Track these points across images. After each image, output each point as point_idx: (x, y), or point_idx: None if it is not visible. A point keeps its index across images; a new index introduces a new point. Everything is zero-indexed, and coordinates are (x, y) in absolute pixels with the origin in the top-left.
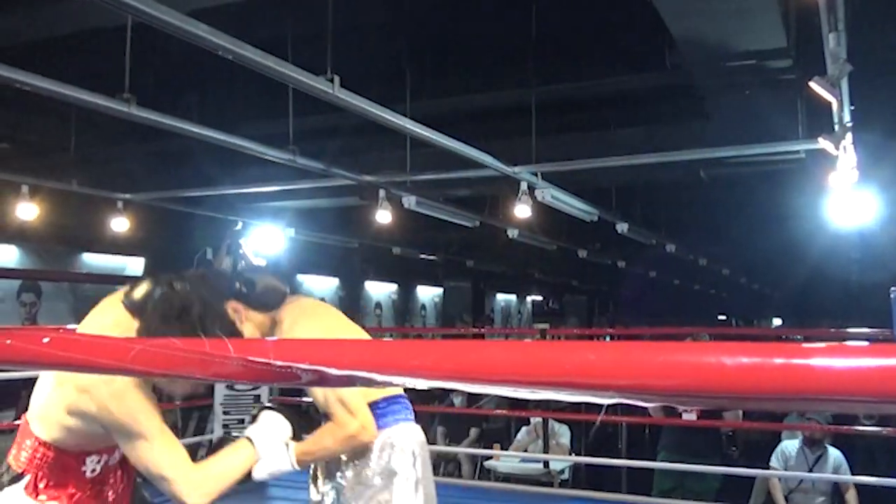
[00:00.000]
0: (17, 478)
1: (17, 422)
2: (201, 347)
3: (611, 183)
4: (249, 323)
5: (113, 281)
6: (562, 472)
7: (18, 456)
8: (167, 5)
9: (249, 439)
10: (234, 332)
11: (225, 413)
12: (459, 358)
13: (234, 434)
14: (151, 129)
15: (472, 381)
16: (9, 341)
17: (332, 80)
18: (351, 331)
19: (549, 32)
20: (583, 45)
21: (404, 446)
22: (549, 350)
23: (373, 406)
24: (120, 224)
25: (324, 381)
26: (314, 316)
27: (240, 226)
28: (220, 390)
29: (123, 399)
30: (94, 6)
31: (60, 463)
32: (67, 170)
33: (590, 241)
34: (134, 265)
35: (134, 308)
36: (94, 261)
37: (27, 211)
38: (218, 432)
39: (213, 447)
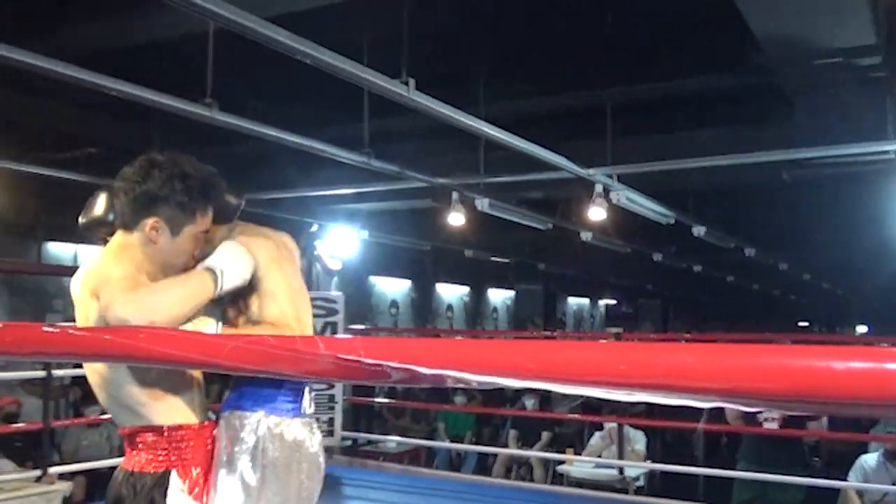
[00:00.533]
0: (160, 480)
1: (103, 416)
2: (293, 345)
3: (688, 185)
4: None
5: None
6: (637, 478)
7: (145, 459)
8: (248, 12)
9: (210, 268)
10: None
11: None
12: (554, 358)
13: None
14: (230, 132)
15: (566, 381)
16: (107, 336)
17: (407, 83)
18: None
19: (625, 33)
20: (660, 45)
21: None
22: (646, 352)
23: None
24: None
25: (414, 379)
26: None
27: (315, 227)
28: None
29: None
30: (179, 14)
31: (195, 440)
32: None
33: (665, 244)
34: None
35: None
36: None
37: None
38: None
39: None
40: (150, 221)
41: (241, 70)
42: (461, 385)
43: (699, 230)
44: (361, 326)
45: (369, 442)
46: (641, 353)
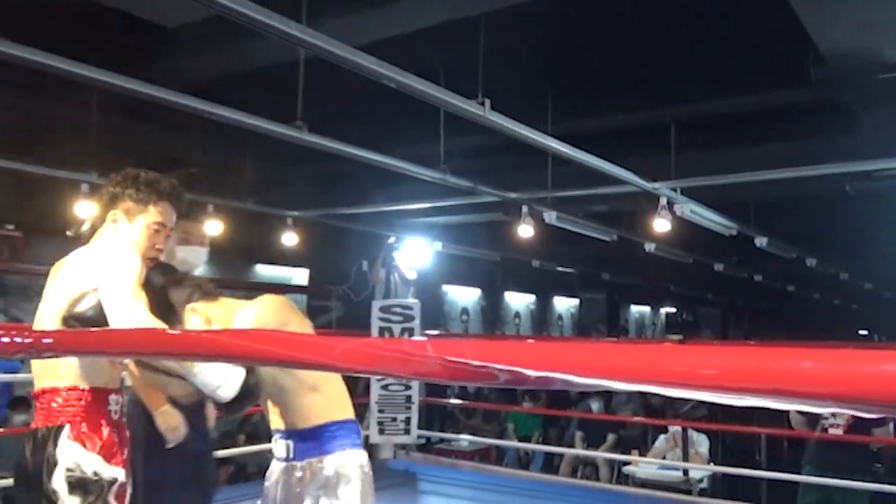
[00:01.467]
0: (57, 431)
1: None
2: (401, 347)
3: (750, 197)
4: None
5: (281, 290)
6: (700, 480)
7: (45, 415)
8: (338, 40)
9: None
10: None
11: (380, 411)
12: (661, 362)
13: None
14: (316, 152)
15: (674, 385)
16: (225, 338)
17: (483, 104)
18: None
19: (688, 50)
20: (722, 62)
21: (351, 475)
22: (758, 356)
23: (323, 428)
24: (289, 238)
25: (520, 381)
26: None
27: (393, 239)
28: (376, 389)
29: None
30: (272, 45)
31: (92, 403)
32: (245, 190)
33: (726, 254)
34: (299, 276)
35: None
36: (265, 271)
37: (213, 227)
38: (373, 429)
39: None
40: (110, 214)
41: (327, 94)
42: (568, 388)
43: (761, 241)
44: (435, 332)
45: (442, 440)
46: (756, 358)
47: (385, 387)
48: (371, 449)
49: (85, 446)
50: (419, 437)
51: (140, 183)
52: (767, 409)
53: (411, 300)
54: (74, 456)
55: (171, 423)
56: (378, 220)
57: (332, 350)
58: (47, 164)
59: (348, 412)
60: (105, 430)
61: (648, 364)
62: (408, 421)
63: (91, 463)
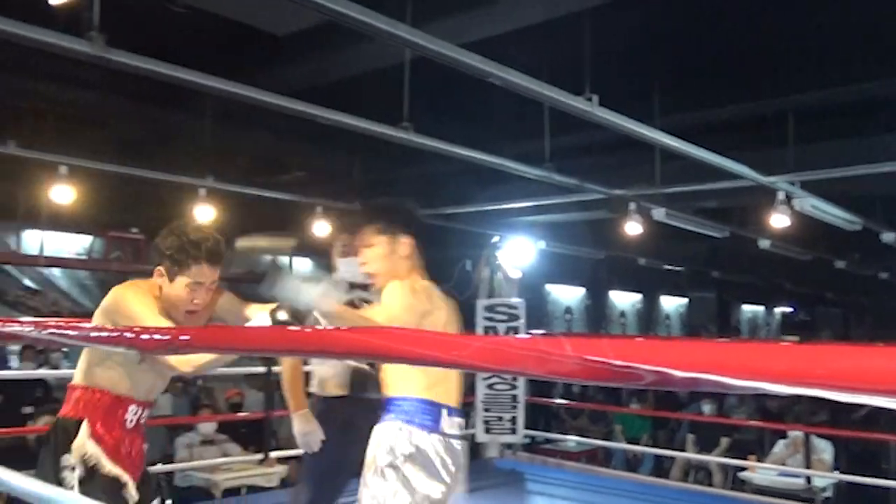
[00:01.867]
0: (78, 423)
1: None
2: (537, 346)
3: (876, 190)
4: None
5: None
6: (824, 489)
7: (70, 409)
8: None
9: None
10: None
11: (485, 410)
12: (828, 363)
13: None
14: (421, 153)
15: (842, 388)
16: (362, 336)
17: (590, 99)
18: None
19: (805, 36)
20: (843, 48)
21: (382, 447)
22: None
23: (392, 400)
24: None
25: (666, 382)
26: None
27: (497, 239)
28: (481, 388)
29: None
30: (377, 48)
31: (108, 407)
32: (352, 192)
33: (848, 251)
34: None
35: None
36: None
37: (321, 228)
38: (479, 427)
39: None
40: (156, 269)
41: (432, 95)
42: (718, 390)
43: (888, 236)
44: (540, 332)
45: (548, 441)
46: None
47: (490, 386)
48: (477, 448)
49: (96, 442)
50: (525, 436)
51: (180, 244)
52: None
53: (516, 299)
54: (86, 448)
55: (304, 428)
56: (481, 219)
57: (464, 348)
58: (167, 170)
59: (427, 392)
60: (116, 434)
61: (813, 365)
62: (514, 420)
63: (98, 457)
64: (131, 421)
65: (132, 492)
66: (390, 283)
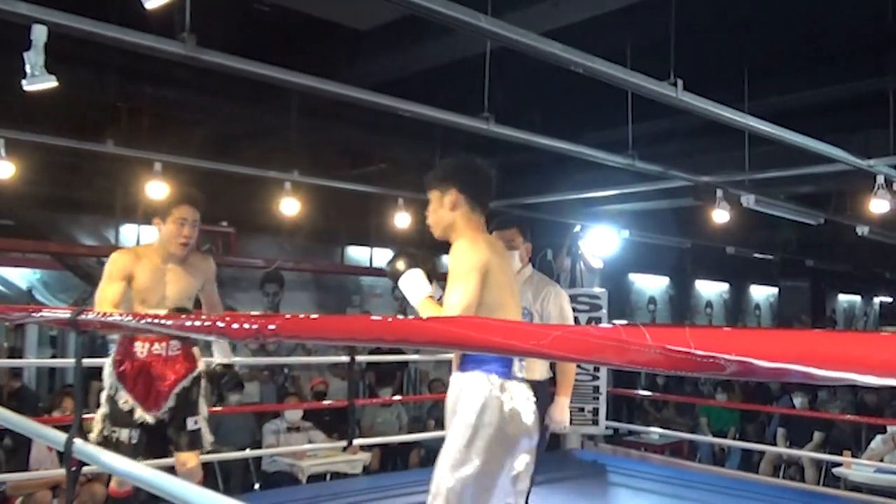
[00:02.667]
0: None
1: (395, 397)
2: (617, 335)
3: None
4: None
5: None
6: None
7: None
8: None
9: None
10: None
11: None
12: None
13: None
14: (501, 143)
15: None
16: (436, 325)
17: (675, 84)
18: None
19: None
20: None
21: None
22: None
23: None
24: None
25: (750, 372)
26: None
27: (578, 228)
28: None
29: None
30: (457, 39)
31: (123, 342)
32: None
33: None
34: None
35: None
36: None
37: (402, 220)
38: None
39: None
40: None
41: (512, 84)
42: (806, 381)
43: None
44: (623, 322)
45: (631, 433)
46: None
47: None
48: (558, 438)
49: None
50: (607, 428)
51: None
52: None
53: (598, 289)
54: (108, 365)
55: (564, 414)
56: (563, 208)
57: (544, 337)
58: (254, 165)
59: None
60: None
61: None
62: (596, 411)
63: (108, 371)
64: (141, 353)
65: (147, 418)
66: (453, 247)
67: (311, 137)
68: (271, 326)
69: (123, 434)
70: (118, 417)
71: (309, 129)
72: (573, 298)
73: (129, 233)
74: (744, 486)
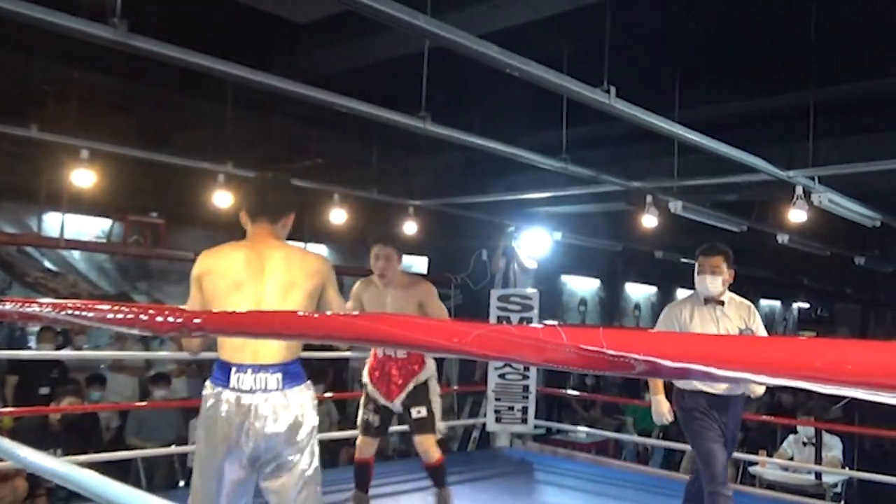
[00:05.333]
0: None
1: (327, 394)
2: (535, 334)
3: None
4: None
5: None
6: (835, 485)
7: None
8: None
9: None
10: None
11: (496, 400)
12: (808, 356)
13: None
14: (438, 142)
15: (825, 381)
16: (363, 322)
17: (608, 91)
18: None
19: (826, 29)
20: (863, 43)
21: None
22: None
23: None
24: (410, 227)
25: (656, 371)
26: None
27: (513, 229)
28: (493, 378)
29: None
30: (396, 38)
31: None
32: (369, 180)
33: (869, 246)
34: (419, 264)
35: None
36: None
37: (338, 216)
38: (490, 417)
39: None
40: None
41: (450, 85)
42: (707, 380)
43: None
44: (554, 322)
45: (559, 431)
46: None
47: (502, 376)
48: (487, 437)
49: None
50: (536, 427)
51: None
52: None
53: (530, 290)
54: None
55: (659, 410)
56: (498, 209)
57: (466, 336)
58: (187, 156)
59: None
60: (373, 361)
61: (794, 357)
62: (525, 410)
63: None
64: (378, 352)
65: (382, 402)
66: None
67: (247, 130)
68: (196, 321)
69: (372, 417)
70: (367, 403)
71: (245, 122)
72: (506, 299)
73: (52, 221)
74: (665, 483)
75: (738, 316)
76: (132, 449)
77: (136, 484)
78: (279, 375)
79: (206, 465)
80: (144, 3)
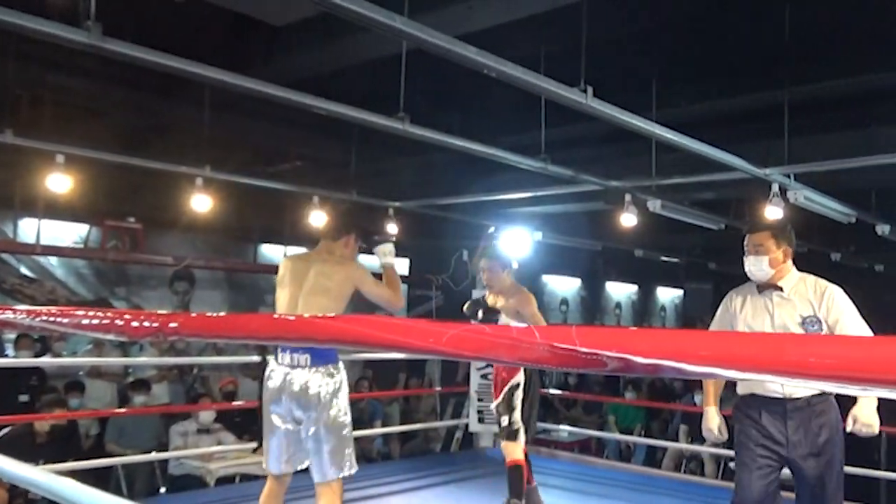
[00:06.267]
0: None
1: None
2: (509, 334)
3: (871, 183)
4: None
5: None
6: None
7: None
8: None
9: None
10: None
11: (479, 400)
12: (776, 350)
13: None
14: (418, 143)
15: (789, 374)
16: (340, 324)
17: (585, 91)
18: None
19: (802, 28)
20: (842, 41)
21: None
22: (884, 346)
23: None
24: (391, 229)
25: (629, 368)
26: None
27: (493, 229)
28: (475, 378)
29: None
30: (374, 39)
31: None
32: (348, 182)
33: (844, 243)
34: (400, 265)
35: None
36: (366, 260)
37: (317, 218)
38: (473, 417)
39: None
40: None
41: (428, 86)
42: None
43: (883, 228)
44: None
45: (542, 430)
46: (882, 348)
47: (485, 376)
48: (470, 437)
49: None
50: None
51: None
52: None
53: None
54: None
55: (708, 424)
56: (478, 209)
57: (440, 336)
58: (164, 160)
59: None
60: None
61: (762, 352)
62: None
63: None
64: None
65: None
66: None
67: (225, 133)
68: (172, 325)
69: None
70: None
71: (222, 125)
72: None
73: (28, 227)
74: (648, 480)
75: (804, 302)
76: (112, 456)
77: (117, 491)
78: (308, 356)
79: (265, 417)
80: (119, 6)
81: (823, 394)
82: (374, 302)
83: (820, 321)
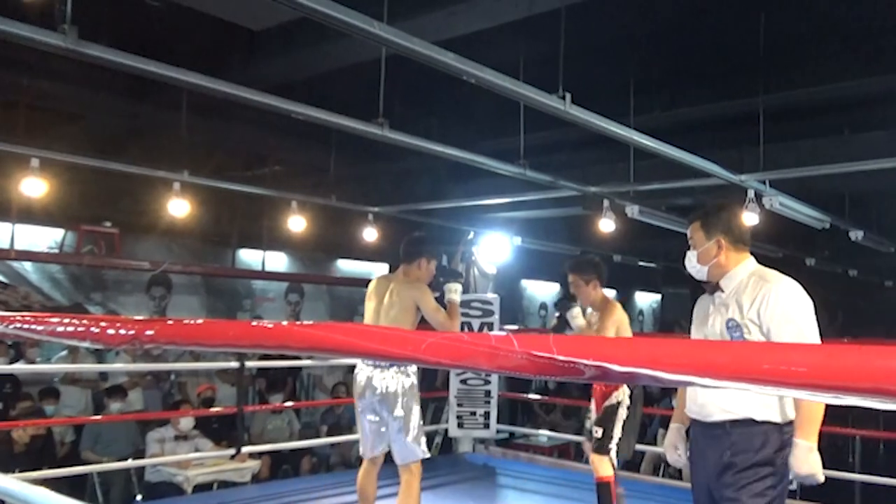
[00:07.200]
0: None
1: (286, 403)
2: (487, 341)
3: (845, 189)
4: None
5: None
6: (790, 482)
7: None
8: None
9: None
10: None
11: (459, 405)
12: (751, 359)
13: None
14: (397, 149)
15: (764, 382)
16: (318, 332)
17: (563, 98)
18: None
19: (778, 36)
20: (815, 47)
21: None
22: (856, 354)
23: None
24: (370, 234)
25: (606, 376)
26: None
27: (472, 235)
28: (455, 383)
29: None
30: (354, 44)
31: None
32: (327, 187)
33: (818, 248)
34: (379, 270)
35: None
36: (346, 266)
37: (296, 223)
38: (452, 422)
39: None
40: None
41: (407, 91)
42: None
43: (856, 234)
44: (515, 327)
45: (521, 435)
46: (854, 357)
47: (464, 381)
48: (450, 442)
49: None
50: (498, 431)
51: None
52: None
53: (491, 295)
54: None
55: (665, 443)
56: (457, 215)
57: (419, 344)
58: (141, 164)
59: None
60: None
61: (737, 361)
62: (487, 415)
63: None
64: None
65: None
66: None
67: (203, 137)
68: (149, 332)
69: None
70: None
71: (200, 129)
72: (466, 304)
73: (2, 232)
74: (626, 484)
75: (736, 305)
76: (87, 464)
77: (92, 499)
78: None
79: (356, 411)
80: (97, 9)
81: (755, 422)
82: (429, 321)
83: (741, 326)
